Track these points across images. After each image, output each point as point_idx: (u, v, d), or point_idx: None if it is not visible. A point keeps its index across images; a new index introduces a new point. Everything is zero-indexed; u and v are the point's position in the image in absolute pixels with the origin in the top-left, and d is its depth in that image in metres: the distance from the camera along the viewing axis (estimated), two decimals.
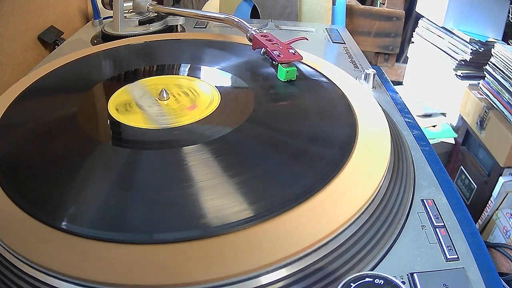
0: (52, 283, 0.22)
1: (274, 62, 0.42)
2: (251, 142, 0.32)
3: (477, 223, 0.79)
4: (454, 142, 0.92)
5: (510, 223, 0.71)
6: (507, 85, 0.72)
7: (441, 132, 0.93)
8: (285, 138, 0.32)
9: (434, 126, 0.95)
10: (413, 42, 1.07)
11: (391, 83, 0.51)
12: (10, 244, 0.23)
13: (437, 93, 0.98)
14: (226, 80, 0.42)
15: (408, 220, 0.28)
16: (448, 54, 0.92)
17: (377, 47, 0.92)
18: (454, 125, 0.94)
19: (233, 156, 0.30)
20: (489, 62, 0.78)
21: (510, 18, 0.89)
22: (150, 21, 0.61)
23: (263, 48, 0.43)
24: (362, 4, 0.94)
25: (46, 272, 0.22)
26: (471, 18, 0.92)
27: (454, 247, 0.26)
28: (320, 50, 0.60)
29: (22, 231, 0.24)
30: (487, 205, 0.77)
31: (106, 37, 0.58)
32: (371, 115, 0.35)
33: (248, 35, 0.46)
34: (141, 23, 0.60)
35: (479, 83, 0.81)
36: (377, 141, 0.31)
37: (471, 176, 0.83)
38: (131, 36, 0.56)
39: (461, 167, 0.87)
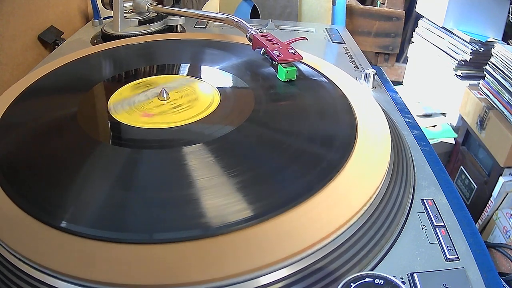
0: (52, 283, 0.22)
1: (274, 62, 0.42)
2: (251, 142, 0.32)
3: (477, 223, 0.79)
4: (454, 142, 0.92)
5: (510, 223, 0.71)
6: (507, 85, 0.72)
7: (441, 132, 0.93)
8: (285, 138, 0.32)
9: (434, 126, 0.95)
10: (413, 42, 1.07)
11: (391, 83, 0.51)
12: (10, 244, 0.23)
13: (437, 93, 0.98)
14: (226, 80, 0.42)
15: (408, 220, 0.28)
16: (448, 54, 0.92)
17: (377, 47, 0.92)
18: (454, 125, 0.94)
19: (233, 156, 0.30)
20: (489, 62, 0.78)
21: (510, 18, 0.89)
22: (150, 21, 0.60)
23: (263, 48, 0.43)
24: (362, 4, 0.94)
25: (46, 272, 0.22)
26: (471, 18, 0.92)
27: (454, 247, 0.26)
28: (320, 50, 0.60)
29: (22, 231, 0.24)
30: (487, 205, 0.77)
31: (106, 37, 0.58)
32: (371, 115, 0.34)
33: (248, 35, 0.46)
34: (141, 23, 0.60)
35: (479, 83, 0.81)
36: (377, 141, 0.31)
37: (471, 176, 0.83)
38: (131, 36, 0.56)
39: (461, 167, 0.87)
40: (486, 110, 0.77)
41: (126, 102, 0.37)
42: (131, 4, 0.60)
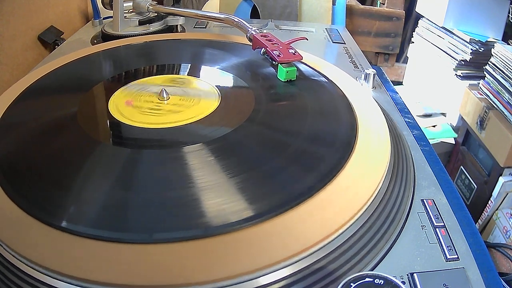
0: (52, 283, 0.22)
1: (274, 62, 0.42)
2: (251, 142, 0.32)
3: (477, 223, 0.79)
4: (454, 142, 0.92)
5: (510, 223, 0.71)
6: (507, 85, 0.72)
7: (441, 132, 0.93)
8: (285, 138, 0.32)
9: (434, 126, 0.95)
10: (413, 42, 1.07)
11: (391, 83, 0.51)
12: (10, 244, 0.23)
13: (437, 93, 0.98)
14: (226, 80, 0.42)
15: (408, 220, 0.28)
16: (448, 54, 0.92)
17: (377, 47, 0.92)
18: (454, 125, 0.94)
19: (233, 155, 0.30)
20: (489, 62, 0.78)
21: (510, 18, 0.89)
22: (150, 21, 0.60)
23: (263, 48, 0.43)
24: (362, 4, 0.94)
25: (46, 272, 0.22)
26: (471, 18, 0.92)
27: (454, 247, 0.26)
28: (320, 50, 0.60)
29: (22, 231, 0.24)
30: (487, 205, 0.77)
31: (106, 37, 0.58)
32: (371, 115, 0.35)
33: (248, 35, 0.46)
34: (141, 23, 0.60)
35: (479, 83, 0.81)
36: (377, 141, 0.31)
37: (471, 176, 0.83)
38: (131, 36, 0.56)
39: (461, 167, 0.87)
40: (486, 110, 0.77)
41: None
42: (131, 4, 0.60)
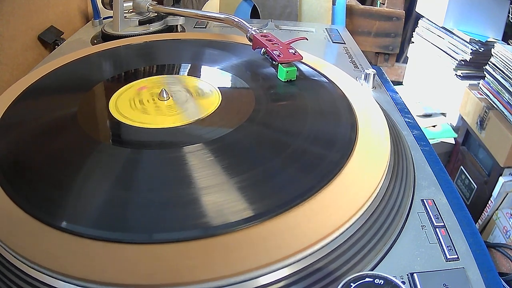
0: (52, 283, 0.22)
1: (274, 62, 0.42)
2: (251, 142, 0.32)
3: (477, 223, 0.79)
4: (454, 142, 0.92)
5: (510, 223, 0.71)
6: (507, 85, 0.72)
7: (441, 132, 0.93)
8: (285, 138, 0.32)
9: (434, 126, 0.95)
10: (413, 42, 1.07)
11: (391, 83, 0.51)
12: (10, 244, 0.23)
13: (437, 93, 0.98)
14: (226, 80, 0.42)
15: (408, 220, 0.28)
16: (448, 54, 0.92)
17: (377, 47, 0.92)
18: (454, 125, 0.94)
19: (233, 156, 0.30)
20: (489, 62, 0.78)
21: (510, 18, 0.89)
22: (150, 21, 0.60)
23: (263, 48, 0.43)
24: (362, 4, 0.94)
25: (46, 272, 0.22)
26: (471, 18, 0.92)
27: (454, 247, 0.26)
28: (320, 50, 0.60)
29: (22, 231, 0.24)
30: (487, 205, 0.77)
31: (106, 37, 0.58)
32: (371, 115, 0.35)
33: (248, 35, 0.46)
34: (141, 23, 0.60)
35: (479, 83, 0.81)
36: (377, 141, 0.31)
37: (471, 176, 0.83)
38: (131, 36, 0.56)
39: (461, 167, 0.87)
40: (486, 110, 0.77)
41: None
42: (131, 4, 0.60)
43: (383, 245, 0.25)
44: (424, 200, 0.30)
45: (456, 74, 0.90)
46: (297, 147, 0.30)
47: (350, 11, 0.87)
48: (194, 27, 0.66)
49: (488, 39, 0.87)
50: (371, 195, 0.26)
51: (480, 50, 0.85)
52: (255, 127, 0.33)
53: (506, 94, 0.72)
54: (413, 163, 0.34)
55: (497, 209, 0.75)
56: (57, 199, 0.26)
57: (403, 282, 0.23)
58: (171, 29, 0.62)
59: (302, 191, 0.26)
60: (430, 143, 0.38)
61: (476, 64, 0.87)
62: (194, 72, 0.44)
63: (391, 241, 0.26)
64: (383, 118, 0.34)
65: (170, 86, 0.40)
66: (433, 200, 0.30)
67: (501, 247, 0.59)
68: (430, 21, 1.00)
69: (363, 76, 0.46)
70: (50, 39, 0.62)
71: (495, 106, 0.76)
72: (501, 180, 0.73)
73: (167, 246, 0.22)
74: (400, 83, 1.12)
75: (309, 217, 0.24)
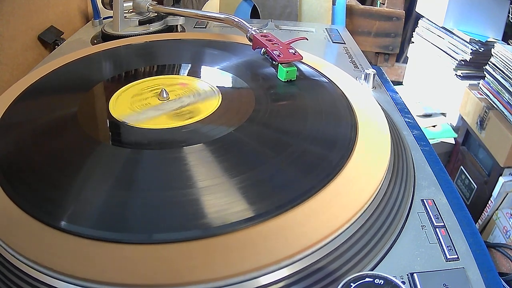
0: (52, 283, 0.22)
1: (274, 62, 0.42)
2: (252, 142, 0.32)
3: (477, 223, 0.79)
4: (454, 142, 0.92)
5: (510, 223, 0.71)
6: (507, 85, 0.72)
7: (441, 132, 0.93)
8: (285, 138, 0.32)
9: (434, 126, 0.95)
10: (413, 42, 1.07)
11: (391, 83, 0.51)
12: (10, 244, 0.23)
13: (437, 93, 0.98)
14: (226, 80, 0.42)
15: (408, 220, 0.28)
16: (448, 54, 0.92)
17: (377, 47, 0.92)
18: (454, 125, 0.94)
19: (233, 156, 0.30)
20: (489, 62, 0.78)
21: (510, 18, 0.89)
22: (150, 21, 0.60)
23: (263, 48, 0.43)
24: (362, 4, 0.94)
25: (46, 272, 0.22)
26: (471, 18, 0.92)
27: (454, 247, 0.26)
28: (320, 50, 0.60)
29: (22, 231, 0.24)
30: (487, 205, 0.77)
31: (106, 37, 0.58)
32: (371, 115, 0.35)
33: (248, 35, 0.46)
34: (141, 23, 0.60)
35: (479, 83, 0.81)
36: (377, 141, 0.31)
37: (471, 176, 0.83)
38: (131, 36, 0.56)
39: (461, 167, 0.87)
40: (486, 110, 0.77)
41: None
42: (131, 4, 0.60)
43: (383, 245, 0.25)
44: (424, 200, 0.30)
45: (456, 74, 0.90)
46: (297, 147, 0.30)
47: (350, 11, 0.87)
48: (194, 27, 0.66)
49: (488, 39, 0.87)
50: (371, 195, 0.26)
51: (480, 50, 0.85)
52: (255, 127, 0.33)
53: (506, 94, 0.72)
54: (413, 163, 0.34)
55: (497, 209, 0.75)
56: (57, 199, 0.26)
57: (403, 282, 0.23)
58: (171, 29, 0.62)
59: (302, 191, 0.26)
60: (430, 143, 0.38)
61: (476, 64, 0.87)
62: (194, 72, 0.44)
63: (391, 241, 0.26)
64: (383, 118, 0.34)
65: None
66: (433, 200, 0.30)
67: (501, 247, 0.59)
68: (430, 21, 1.00)
69: (363, 76, 0.46)
70: (50, 39, 0.62)
71: (495, 106, 0.76)
72: (501, 180, 0.73)
73: (167, 246, 0.22)
74: (400, 83, 1.12)
75: (309, 217, 0.24)
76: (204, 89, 0.39)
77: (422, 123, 0.94)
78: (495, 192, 0.75)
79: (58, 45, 0.61)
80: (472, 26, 0.91)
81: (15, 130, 0.34)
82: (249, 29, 0.46)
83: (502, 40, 0.90)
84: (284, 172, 0.28)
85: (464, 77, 0.88)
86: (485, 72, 0.79)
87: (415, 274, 0.24)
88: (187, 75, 0.43)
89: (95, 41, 0.59)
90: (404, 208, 0.29)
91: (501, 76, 0.74)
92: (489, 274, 0.25)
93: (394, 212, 0.27)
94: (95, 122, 0.35)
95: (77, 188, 0.27)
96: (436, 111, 0.98)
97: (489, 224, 0.77)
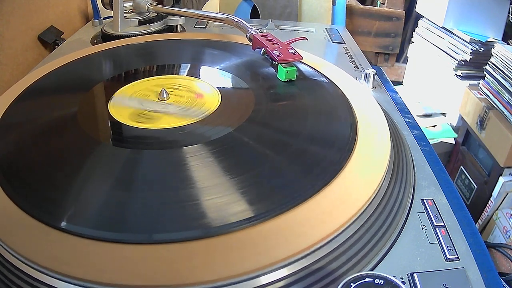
0: (52, 283, 0.22)
1: (274, 62, 0.42)
2: (251, 142, 0.32)
3: (477, 223, 0.79)
4: (454, 142, 0.92)
5: (510, 223, 0.71)
6: (507, 85, 0.72)
7: (441, 132, 0.93)
8: (285, 138, 0.32)
9: (434, 126, 0.95)
10: (413, 42, 1.07)
11: (391, 83, 0.51)
12: (10, 244, 0.23)
13: (437, 93, 0.98)
14: (226, 80, 0.42)
15: (408, 220, 0.28)
16: (448, 54, 0.92)
17: (377, 47, 0.92)
18: (454, 125, 0.94)
19: (233, 156, 0.30)
20: (489, 62, 0.78)
21: (510, 18, 0.89)
22: (150, 21, 0.60)
23: (263, 48, 0.43)
24: (362, 4, 0.94)
25: (46, 272, 0.22)
26: (471, 18, 0.92)
27: (454, 247, 0.26)
28: (320, 50, 0.60)
29: (22, 231, 0.24)
30: (487, 205, 0.77)
31: (106, 37, 0.58)
32: (371, 115, 0.35)
33: (248, 35, 0.46)
34: (141, 23, 0.60)
35: (479, 83, 0.81)
36: (377, 141, 0.31)
37: (471, 176, 0.83)
38: (131, 36, 0.56)
39: (461, 167, 0.87)
40: (486, 110, 0.77)
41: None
42: (131, 4, 0.60)
43: (383, 245, 0.25)
44: (424, 200, 0.30)
45: (456, 74, 0.90)
46: (297, 147, 0.30)
47: (350, 11, 0.87)
48: (194, 27, 0.66)
49: (488, 39, 0.87)
50: (371, 195, 0.26)
51: (480, 50, 0.85)
52: (255, 127, 0.33)
53: (506, 94, 0.72)
54: (413, 163, 0.34)
55: (497, 209, 0.75)
56: (57, 199, 0.26)
57: (403, 282, 0.23)
58: (171, 29, 0.62)
59: (302, 191, 0.26)
60: (430, 143, 0.38)
61: (476, 64, 0.87)
62: (194, 72, 0.44)
63: (391, 241, 0.26)
64: (383, 118, 0.34)
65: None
66: (433, 200, 0.30)
67: (501, 247, 0.58)
68: (430, 21, 1.00)
69: (363, 76, 0.46)
70: (50, 39, 0.62)
71: (495, 106, 0.75)
72: (501, 180, 0.73)
73: (167, 246, 0.22)
74: (400, 83, 1.12)
75: (309, 217, 0.24)
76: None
77: (422, 123, 0.94)
78: (495, 192, 0.75)
79: (58, 45, 0.61)
80: (472, 26, 0.91)
81: (15, 130, 0.34)
82: (249, 29, 0.46)
83: (502, 40, 0.90)
84: (284, 172, 0.28)
85: (464, 77, 0.88)
86: (485, 72, 0.79)
87: (415, 274, 0.24)
88: (187, 75, 0.43)
89: (95, 41, 0.59)
90: (404, 208, 0.29)
91: (501, 76, 0.74)
92: (489, 274, 0.25)
93: (394, 212, 0.27)
94: (95, 122, 0.35)
95: (77, 188, 0.27)
96: (436, 111, 0.98)
97: (489, 224, 0.77)
